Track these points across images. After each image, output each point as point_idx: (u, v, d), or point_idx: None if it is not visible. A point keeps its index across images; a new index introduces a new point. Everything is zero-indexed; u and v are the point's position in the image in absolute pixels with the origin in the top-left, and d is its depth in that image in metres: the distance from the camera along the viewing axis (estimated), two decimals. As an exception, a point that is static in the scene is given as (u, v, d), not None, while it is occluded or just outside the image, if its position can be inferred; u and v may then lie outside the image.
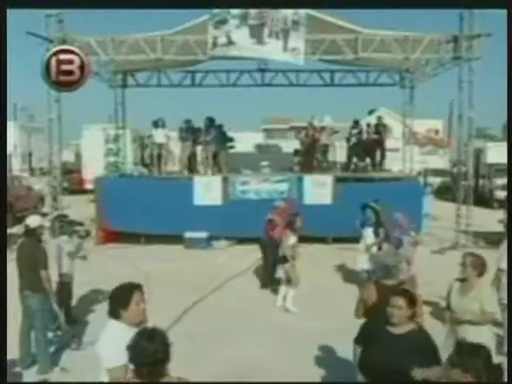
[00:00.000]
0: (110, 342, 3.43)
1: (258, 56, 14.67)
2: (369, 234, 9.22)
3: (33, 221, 6.61)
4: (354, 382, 5.26)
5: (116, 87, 18.52)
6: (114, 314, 3.52)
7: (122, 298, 3.51)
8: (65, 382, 3.59)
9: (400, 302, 3.81)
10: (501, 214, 14.36)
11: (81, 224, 7.48)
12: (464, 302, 4.93)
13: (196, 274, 10.89)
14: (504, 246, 6.97)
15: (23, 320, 6.53)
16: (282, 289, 8.85)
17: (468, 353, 3.06)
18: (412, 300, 3.86)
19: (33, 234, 6.49)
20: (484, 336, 4.85)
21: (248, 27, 13.43)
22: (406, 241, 8.21)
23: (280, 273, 8.96)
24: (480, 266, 4.98)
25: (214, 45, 13.66)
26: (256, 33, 13.46)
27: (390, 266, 4.78)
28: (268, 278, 9.88)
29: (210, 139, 15.54)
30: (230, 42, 13.55)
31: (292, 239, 8.86)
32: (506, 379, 4.78)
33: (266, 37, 13.50)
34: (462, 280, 5.05)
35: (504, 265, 6.57)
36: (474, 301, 4.88)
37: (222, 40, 13.57)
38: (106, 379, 3.44)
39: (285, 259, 8.81)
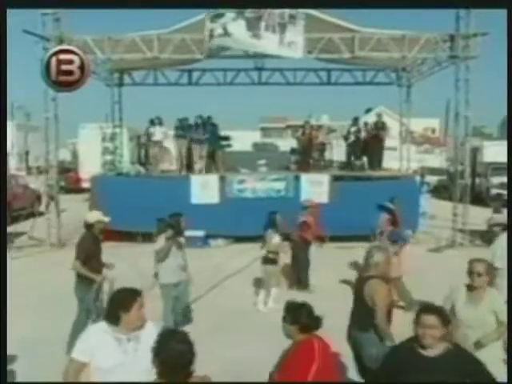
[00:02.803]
0: (88, 337, 3.59)
1: (254, 50, 14.63)
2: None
3: (90, 216, 6.97)
4: (356, 382, 5.30)
5: (113, 86, 18.51)
6: (113, 316, 3.54)
7: (124, 301, 3.53)
8: (61, 382, 3.57)
9: (431, 320, 3.47)
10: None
11: (172, 227, 7.30)
12: (477, 313, 4.50)
13: (193, 273, 10.85)
14: (497, 244, 6.84)
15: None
16: (273, 290, 8.72)
17: (292, 309, 3.85)
18: (446, 317, 3.55)
19: (90, 228, 6.86)
20: (497, 345, 4.54)
21: (245, 20, 13.43)
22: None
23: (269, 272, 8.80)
24: (492, 272, 4.65)
25: (211, 36, 13.64)
26: (252, 26, 13.45)
27: (380, 262, 4.78)
28: (305, 279, 9.84)
29: (203, 138, 15.53)
30: (226, 33, 13.53)
31: (276, 239, 8.78)
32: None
33: (262, 30, 13.49)
34: (469, 287, 4.62)
35: (498, 264, 6.45)
36: (488, 312, 4.49)
37: (219, 31, 13.56)
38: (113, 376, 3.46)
39: (272, 260, 8.74)
